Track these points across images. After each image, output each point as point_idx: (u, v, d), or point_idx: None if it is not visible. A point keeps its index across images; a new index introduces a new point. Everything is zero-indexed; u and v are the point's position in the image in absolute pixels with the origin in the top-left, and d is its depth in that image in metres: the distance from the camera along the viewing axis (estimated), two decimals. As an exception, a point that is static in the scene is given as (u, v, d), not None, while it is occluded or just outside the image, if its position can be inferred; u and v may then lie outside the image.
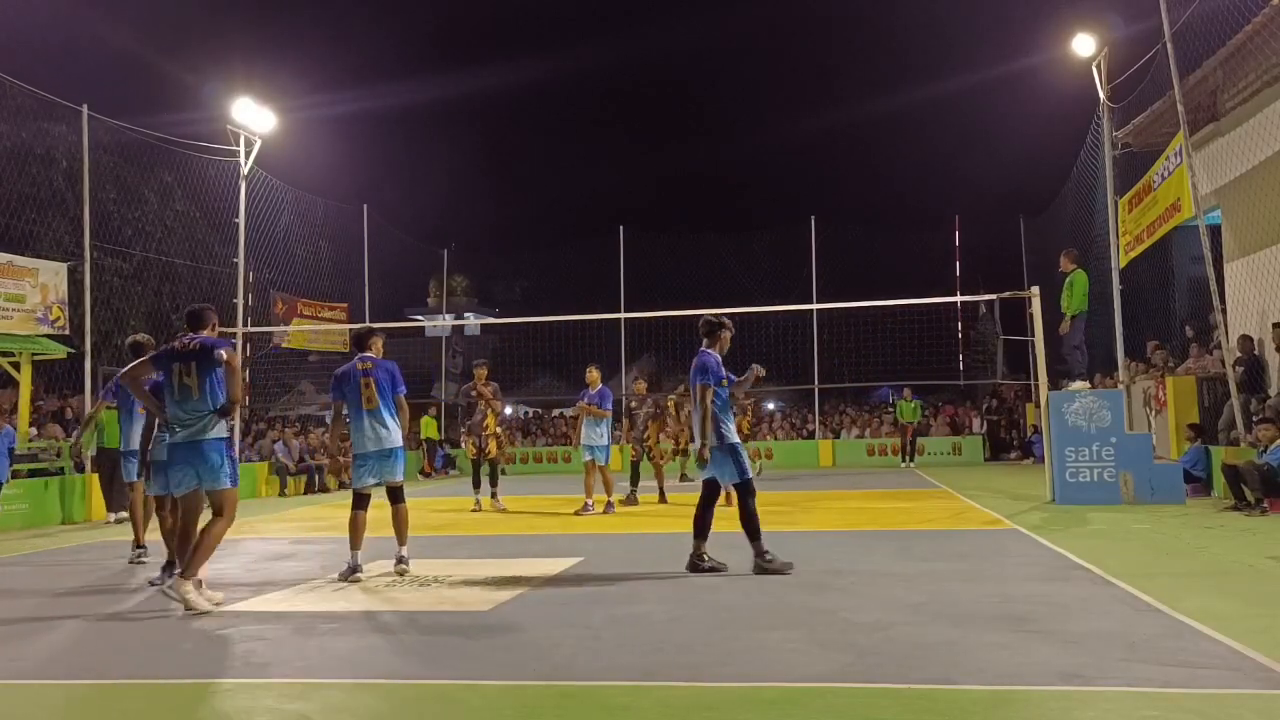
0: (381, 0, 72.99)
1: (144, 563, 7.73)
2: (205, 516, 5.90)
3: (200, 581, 5.78)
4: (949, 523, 9.53)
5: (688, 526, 9.62)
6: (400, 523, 6.90)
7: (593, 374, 11.50)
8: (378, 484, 6.84)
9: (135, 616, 5.69)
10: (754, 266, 24.43)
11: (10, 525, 11.31)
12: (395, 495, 6.92)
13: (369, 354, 6.93)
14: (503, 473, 12.50)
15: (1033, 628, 4.63)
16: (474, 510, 11.75)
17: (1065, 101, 19.61)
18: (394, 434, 6.80)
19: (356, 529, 6.76)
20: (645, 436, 12.45)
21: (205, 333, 6.10)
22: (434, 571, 6.93)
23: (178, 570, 6.03)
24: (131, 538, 8.12)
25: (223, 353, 5.82)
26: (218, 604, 5.70)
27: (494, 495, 12.01)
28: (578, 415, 11.89)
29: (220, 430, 5.84)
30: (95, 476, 12.32)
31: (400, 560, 6.82)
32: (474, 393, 12.07)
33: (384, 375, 6.83)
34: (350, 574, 6.59)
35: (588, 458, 11.35)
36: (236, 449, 6.71)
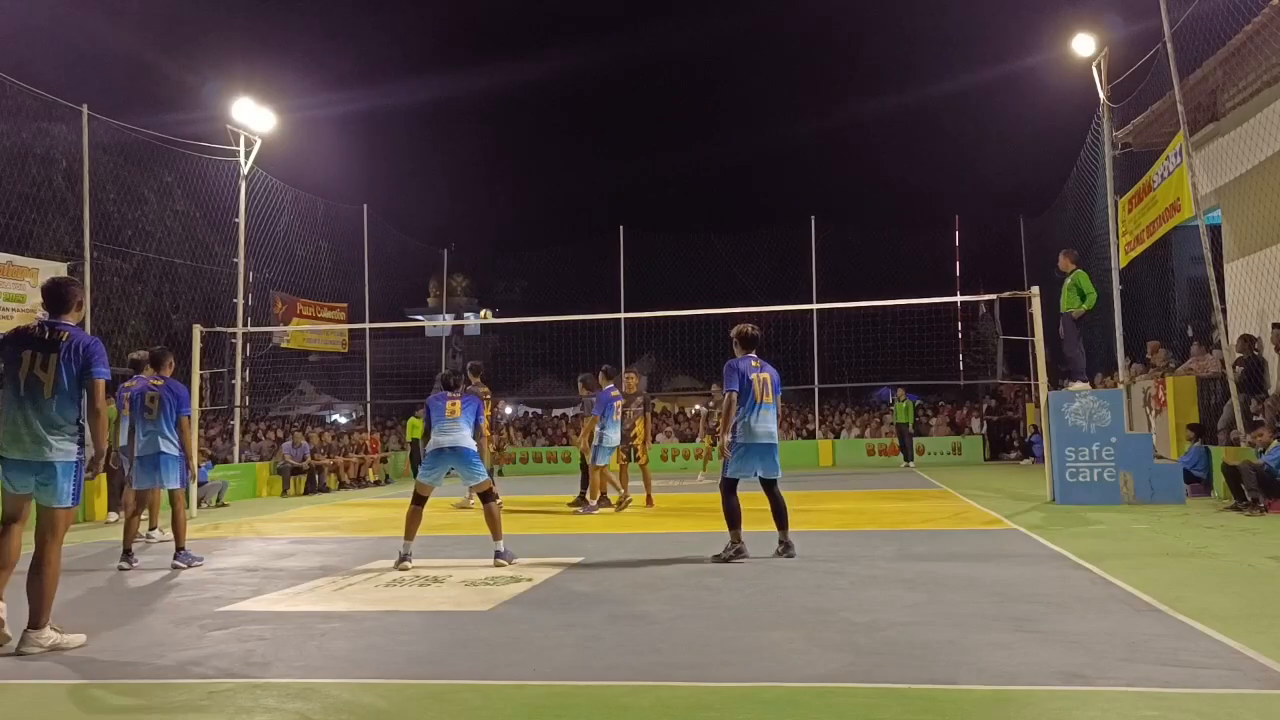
0: (382, 0, 73.02)
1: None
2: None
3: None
4: (949, 523, 9.52)
5: (686, 527, 9.65)
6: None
7: (599, 380, 11.63)
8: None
9: (132, 616, 5.69)
10: (754, 266, 24.47)
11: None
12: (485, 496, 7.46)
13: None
14: (500, 473, 12.58)
15: (1033, 628, 4.63)
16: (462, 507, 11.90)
17: (1065, 101, 19.65)
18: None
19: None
20: (632, 435, 11.93)
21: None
22: (434, 571, 6.93)
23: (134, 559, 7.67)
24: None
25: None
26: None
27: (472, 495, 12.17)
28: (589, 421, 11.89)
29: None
30: (104, 475, 12.32)
31: (499, 555, 7.24)
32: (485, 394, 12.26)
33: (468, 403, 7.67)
34: (401, 562, 7.19)
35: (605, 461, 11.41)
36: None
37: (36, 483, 4.76)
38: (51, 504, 4.75)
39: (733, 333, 7.57)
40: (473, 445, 7.43)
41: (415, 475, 12.56)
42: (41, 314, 5.03)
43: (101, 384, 4.82)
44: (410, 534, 7.31)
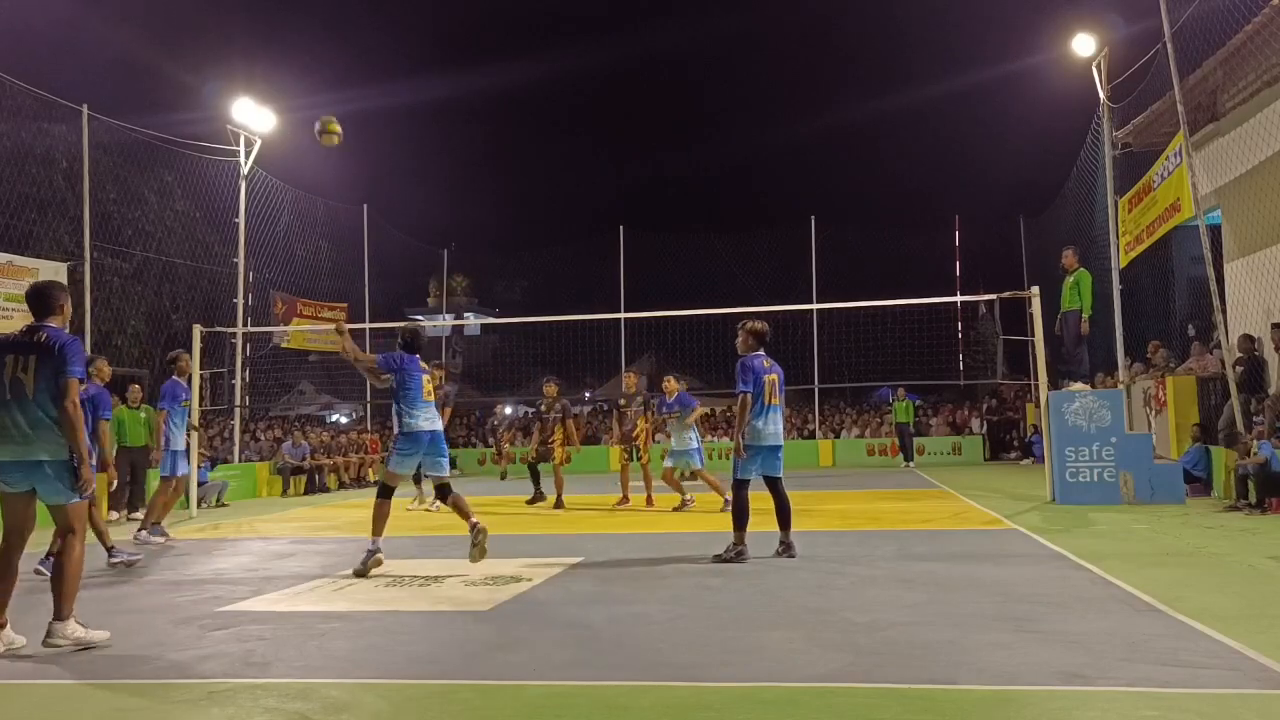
0: (381, 0, 73.06)
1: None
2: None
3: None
4: (949, 523, 9.52)
5: (686, 527, 9.65)
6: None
7: (670, 384, 11.52)
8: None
9: (132, 616, 5.69)
10: (754, 266, 24.46)
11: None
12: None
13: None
14: (502, 477, 12.50)
15: (1033, 628, 4.63)
16: (410, 509, 11.94)
17: (1065, 101, 19.63)
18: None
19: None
20: (635, 435, 11.85)
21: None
22: (434, 571, 6.92)
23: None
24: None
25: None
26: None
27: (421, 497, 12.25)
28: (647, 424, 11.71)
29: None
30: (104, 475, 12.31)
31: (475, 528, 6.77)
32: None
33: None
34: (373, 557, 6.79)
35: (670, 463, 11.25)
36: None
37: (33, 482, 4.81)
38: (58, 502, 4.83)
39: (745, 327, 7.39)
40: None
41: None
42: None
43: (74, 383, 4.78)
44: (380, 530, 6.88)
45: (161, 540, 9.34)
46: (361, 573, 6.72)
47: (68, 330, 5.12)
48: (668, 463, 11.35)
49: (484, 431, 25.38)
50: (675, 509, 11.17)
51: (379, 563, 6.80)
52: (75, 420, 4.76)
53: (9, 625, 4.79)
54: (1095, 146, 15.59)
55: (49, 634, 4.70)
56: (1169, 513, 9.56)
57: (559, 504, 12.01)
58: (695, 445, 11.21)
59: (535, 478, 12.75)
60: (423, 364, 7.19)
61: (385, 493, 7.00)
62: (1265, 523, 8.66)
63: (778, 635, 4.64)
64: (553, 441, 12.34)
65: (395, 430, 7.05)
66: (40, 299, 4.98)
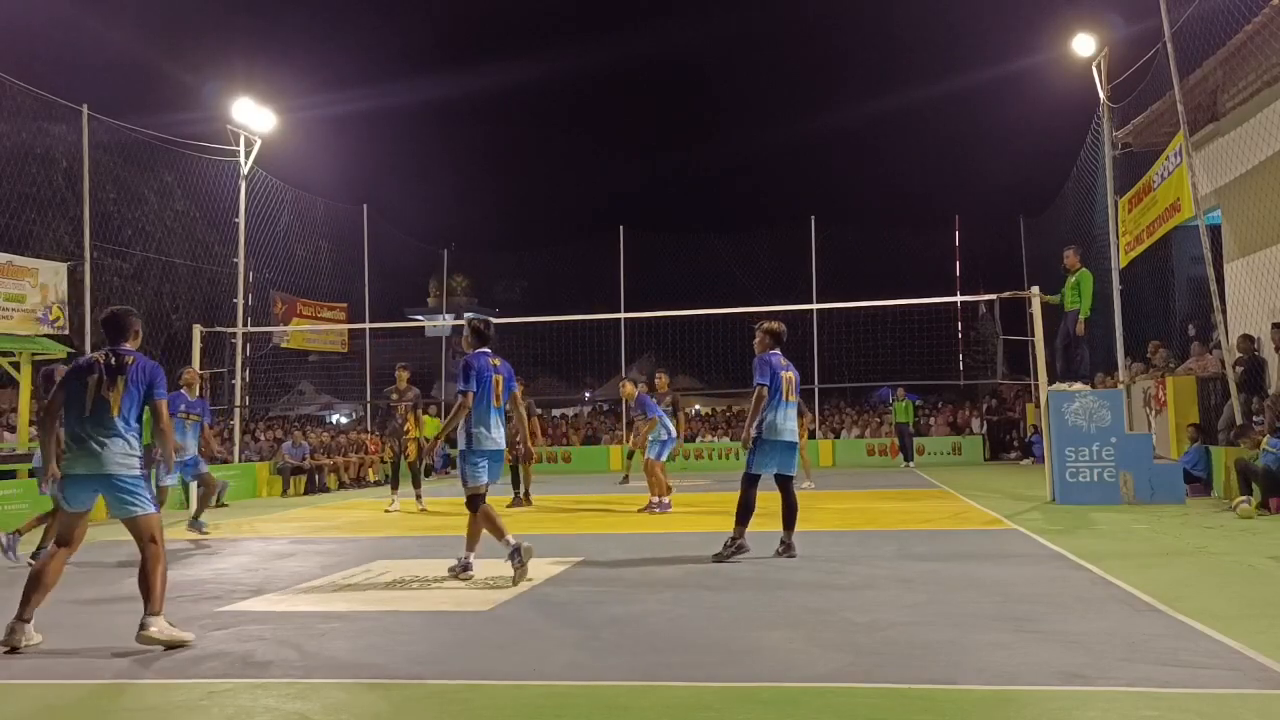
0: (381, 0, 73.10)
1: None
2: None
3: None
4: (949, 523, 9.53)
5: (686, 527, 9.65)
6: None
7: (626, 387, 11.66)
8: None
9: (133, 616, 5.68)
10: (754, 266, 24.48)
11: (9, 526, 11.26)
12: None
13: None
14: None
15: (1033, 628, 4.63)
16: (389, 511, 11.96)
17: (1065, 101, 19.67)
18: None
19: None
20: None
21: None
22: (434, 571, 6.92)
23: None
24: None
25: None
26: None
27: (417, 497, 12.21)
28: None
29: None
30: None
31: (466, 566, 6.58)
32: (394, 396, 12.26)
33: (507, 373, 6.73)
34: (464, 570, 6.53)
35: (650, 455, 11.16)
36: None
37: (108, 497, 4.98)
38: (133, 514, 4.98)
39: (763, 327, 7.54)
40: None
41: (422, 475, 12.12)
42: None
43: (164, 404, 5.18)
44: (503, 532, 6.40)
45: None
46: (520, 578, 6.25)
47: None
48: (649, 454, 11.21)
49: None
50: (641, 510, 11.08)
51: (526, 560, 6.30)
52: (171, 435, 5.43)
53: (32, 622, 4.86)
54: (1095, 146, 15.61)
55: (143, 626, 4.75)
56: (1169, 513, 9.56)
57: (526, 498, 12.15)
58: (666, 438, 11.05)
59: (515, 480, 12.65)
60: (492, 360, 6.58)
61: (477, 504, 6.51)
62: (1265, 523, 8.66)
63: (778, 635, 4.64)
64: (519, 440, 12.37)
65: (462, 444, 6.48)
66: (116, 324, 5.27)
